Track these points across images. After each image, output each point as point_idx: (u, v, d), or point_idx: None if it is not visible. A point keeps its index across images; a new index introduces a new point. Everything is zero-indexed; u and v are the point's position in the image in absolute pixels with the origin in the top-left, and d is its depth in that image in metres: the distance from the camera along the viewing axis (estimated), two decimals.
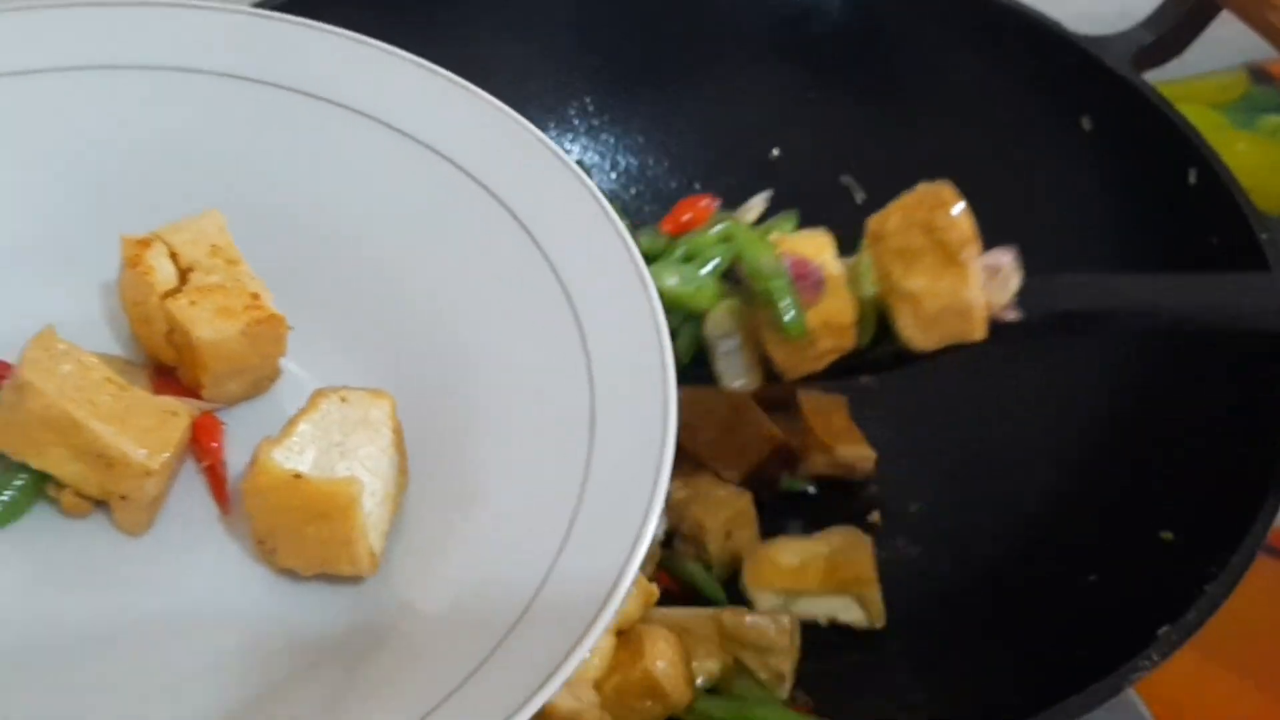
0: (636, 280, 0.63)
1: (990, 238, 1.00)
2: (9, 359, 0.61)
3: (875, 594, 0.84)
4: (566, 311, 0.63)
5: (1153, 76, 0.93)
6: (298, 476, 0.57)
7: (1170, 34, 0.95)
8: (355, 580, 0.60)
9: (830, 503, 0.91)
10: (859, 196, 1.02)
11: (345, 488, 0.57)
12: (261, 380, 0.66)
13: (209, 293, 0.63)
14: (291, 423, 0.59)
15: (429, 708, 0.50)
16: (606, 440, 0.58)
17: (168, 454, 0.59)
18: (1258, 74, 1.28)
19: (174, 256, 0.65)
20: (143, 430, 0.59)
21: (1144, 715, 0.84)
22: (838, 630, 0.85)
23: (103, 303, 0.68)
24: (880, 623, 0.84)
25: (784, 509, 0.90)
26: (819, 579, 0.84)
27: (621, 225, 0.65)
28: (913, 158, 0.96)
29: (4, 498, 0.59)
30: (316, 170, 0.70)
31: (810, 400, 0.92)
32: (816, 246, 0.74)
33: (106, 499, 0.60)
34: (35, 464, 0.59)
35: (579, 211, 0.65)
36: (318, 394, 0.61)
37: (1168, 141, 0.89)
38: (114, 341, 0.67)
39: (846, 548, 0.85)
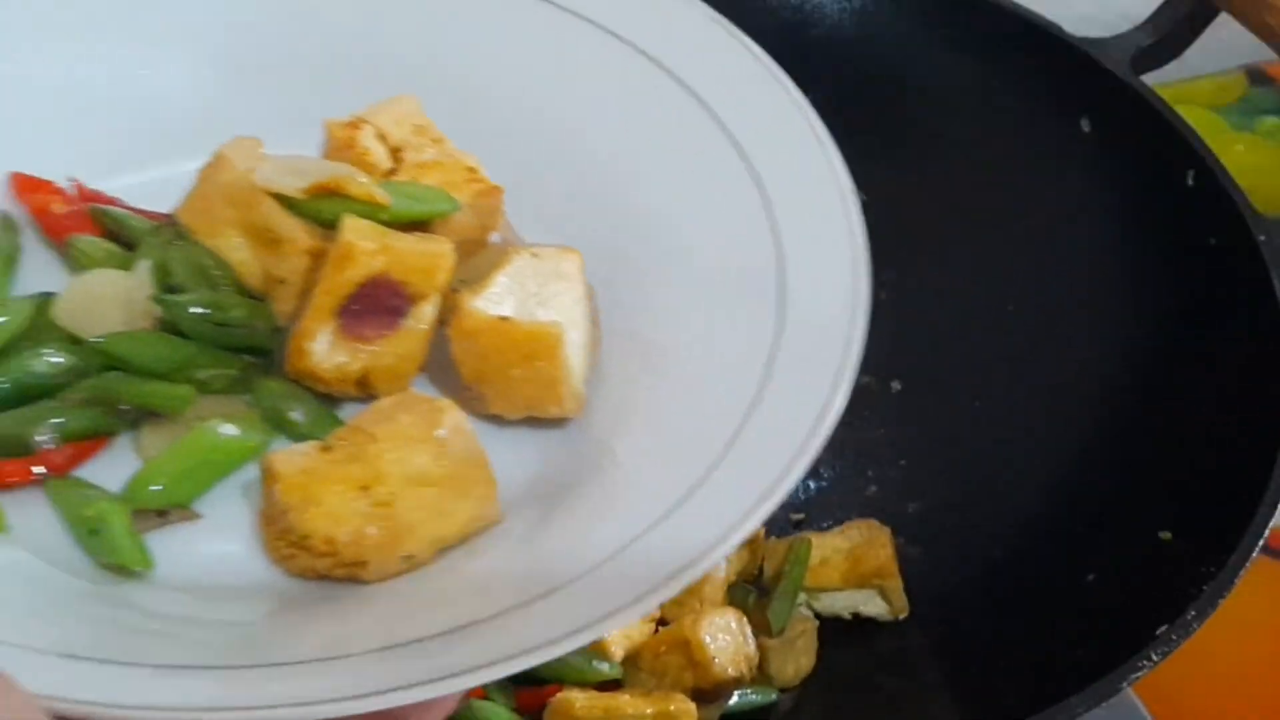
0: (817, 146, 0.65)
1: (989, 238, 1.00)
2: None
3: (898, 585, 0.84)
4: (750, 183, 0.64)
5: (1151, 79, 0.94)
6: (504, 320, 0.59)
7: (1169, 36, 0.95)
8: (558, 423, 0.61)
9: (831, 505, 0.91)
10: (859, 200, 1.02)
11: (551, 329, 0.59)
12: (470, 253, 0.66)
13: (428, 169, 0.64)
14: (487, 275, 0.60)
15: (622, 545, 0.52)
16: (796, 304, 0.59)
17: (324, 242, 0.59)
18: (1256, 76, 1.28)
19: (382, 138, 0.65)
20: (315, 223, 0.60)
21: (1143, 715, 0.84)
22: (838, 629, 0.85)
23: None
24: (904, 614, 0.85)
25: (784, 510, 0.90)
26: (841, 573, 0.85)
27: (802, 99, 0.66)
28: (912, 161, 0.97)
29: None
30: (497, 52, 0.70)
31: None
32: (432, 262, 0.60)
33: (268, 290, 0.61)
34: (208, 242, 0.61)
35: (759, 87, 0.67)
36: (510, 250, 0.62)
37: (1166, 143, 0.89)
38: None
39: (867, 540, 0.86)
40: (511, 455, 0.59)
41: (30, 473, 0.57)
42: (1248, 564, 0.71)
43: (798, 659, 0.82)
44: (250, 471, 0.58)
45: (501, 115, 0.69)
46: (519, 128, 0.69)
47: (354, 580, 0.54)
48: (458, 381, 0.60)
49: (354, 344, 0.59)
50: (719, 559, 0.51)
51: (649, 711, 0.74)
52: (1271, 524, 0.73)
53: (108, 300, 0.61)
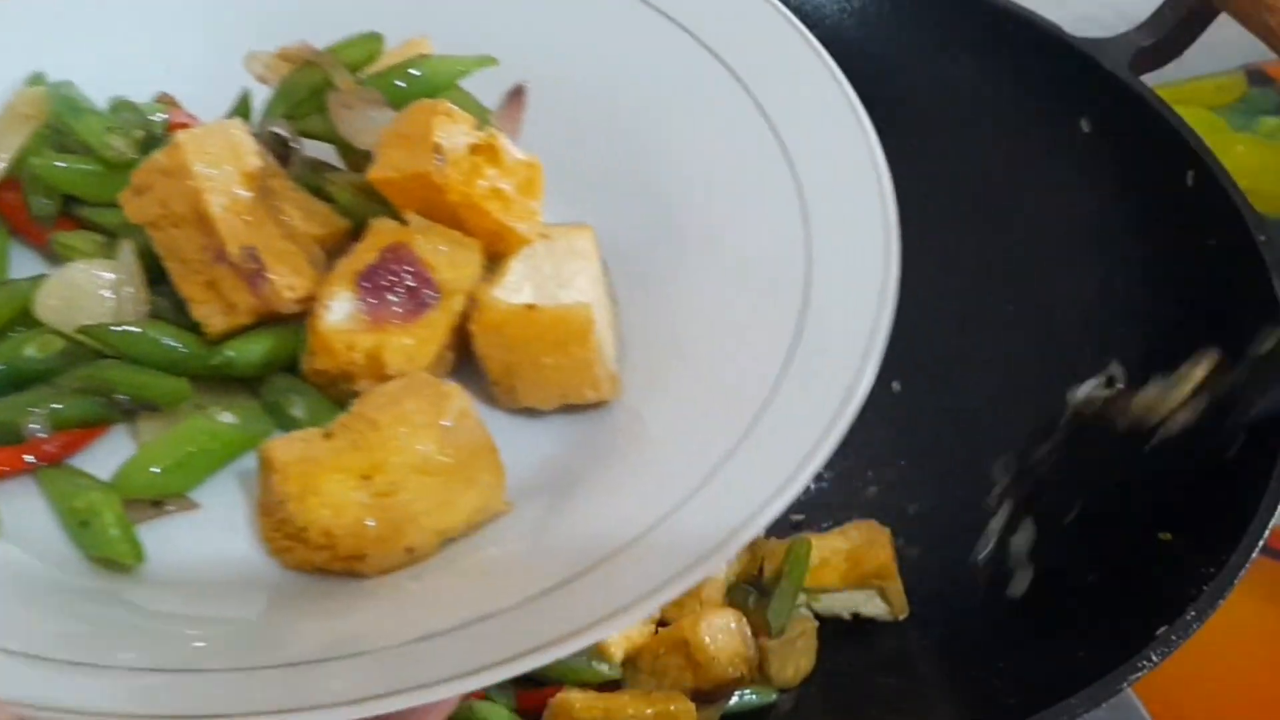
0: (858, 135, 0.63)
1: (989, 238, 1.00)
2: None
3: (897, 585, 0.85)
4: (784, 166, 0.62)
5: (1151, 79, 0.94)
6: (531, 308, 0.57)
7: (1168, 37, 0.96)
8: (594, 407, 0.59)
9: (831, 505, 0.91)
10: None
11: (580, 311, 0.57)
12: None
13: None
14: (501, 263, 0.58)
15: (638, 533, 0.51)
16: (823, 284, 0.58)
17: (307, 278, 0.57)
18: (1256, 76, 1.28)
19: None
20: (276, 253, 0.57)
21: (1143, 715, 0.84)
22: (838, 630, 0.85)
23: None
24: (903, 614, 0.85)
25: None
26: (840, 574, 0.85)
27: (849, 89, 0.64)
28: (912, 161, 0.96)
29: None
30: (525, 16, 0.68)
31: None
32: (460, 253, 0.59)
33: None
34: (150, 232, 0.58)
35: (799, 70, 0.65)
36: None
37: (1166, 143, 0.89)
38: None
39: (866, 541, 0.86)
40: (520, 438, 0.57)
41: (22, 461, 0.55)
42: (1247, 564, 0.71)
43: (797, 659, 0.82)
44: (250, 462, 0.56)
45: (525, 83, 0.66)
46: (542, 98, 0.66)
47: (353, 574, 0.52)
48: (484, 379, 0.58)
49: (372, 320, 0.57)
50: (740, 545, 0.49)
51: (649, 712, 0.74)
52: (1271, 524, 0.73)
53: (92, 292, 0.58)
